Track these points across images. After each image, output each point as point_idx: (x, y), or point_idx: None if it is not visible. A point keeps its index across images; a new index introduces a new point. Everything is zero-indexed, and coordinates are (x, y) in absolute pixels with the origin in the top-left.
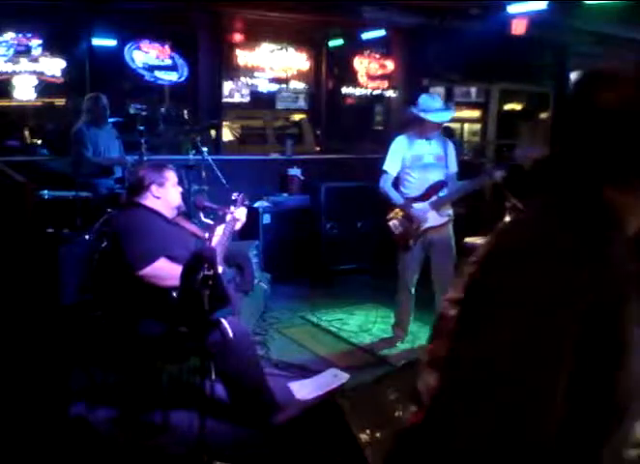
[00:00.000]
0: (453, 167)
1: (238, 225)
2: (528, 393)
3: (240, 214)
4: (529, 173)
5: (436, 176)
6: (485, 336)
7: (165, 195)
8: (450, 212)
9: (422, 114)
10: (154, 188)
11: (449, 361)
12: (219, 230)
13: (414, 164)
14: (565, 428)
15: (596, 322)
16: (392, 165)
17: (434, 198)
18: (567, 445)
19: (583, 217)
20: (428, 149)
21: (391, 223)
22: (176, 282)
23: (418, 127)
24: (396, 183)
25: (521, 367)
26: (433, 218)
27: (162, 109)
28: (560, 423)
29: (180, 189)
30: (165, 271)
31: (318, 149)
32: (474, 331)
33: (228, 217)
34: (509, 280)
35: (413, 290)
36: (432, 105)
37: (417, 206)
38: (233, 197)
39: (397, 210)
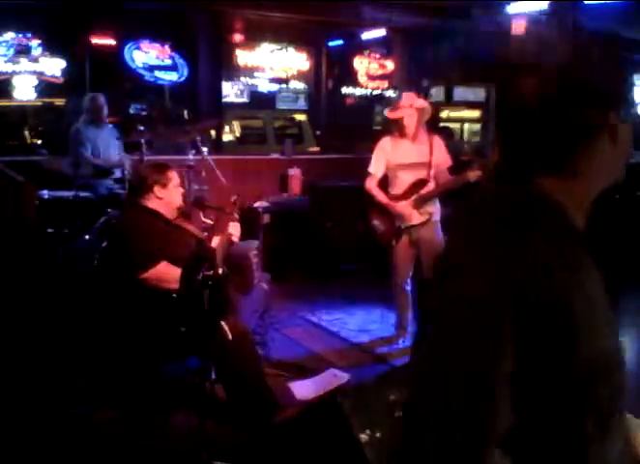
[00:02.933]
0: (443, 163)
1: (234, 238)
2: (466, 382)
3: (233, 229)
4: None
5: (419, 175)
6: (433, 335)
7: (168, 196)
8: (433, 210)
9: (387, 113)
10: (156, 188)
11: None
12: (215, 241)
13: (397, 165)
14: (526, 415)
15: (535, 309)
16: (376, 167)
17: (414, 196)
18: (547, 418)
19: (512, 206)
20: (412, 148)
21: (373, 223)
22: (177, 285)
23: (395, 127)
24: (386, 183)
25: (459, 357)
26: (414, 216)
27: (162, 109)
28: (517, 410)
29: (182, 190)
30: (167, 274)
31: (317, 149)
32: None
33: (223, 233)
34: (448, 280)
35: (407, 287)
36: (397, 104)
37: (400, 205)
38: (232, 199)
39: (374, 210)
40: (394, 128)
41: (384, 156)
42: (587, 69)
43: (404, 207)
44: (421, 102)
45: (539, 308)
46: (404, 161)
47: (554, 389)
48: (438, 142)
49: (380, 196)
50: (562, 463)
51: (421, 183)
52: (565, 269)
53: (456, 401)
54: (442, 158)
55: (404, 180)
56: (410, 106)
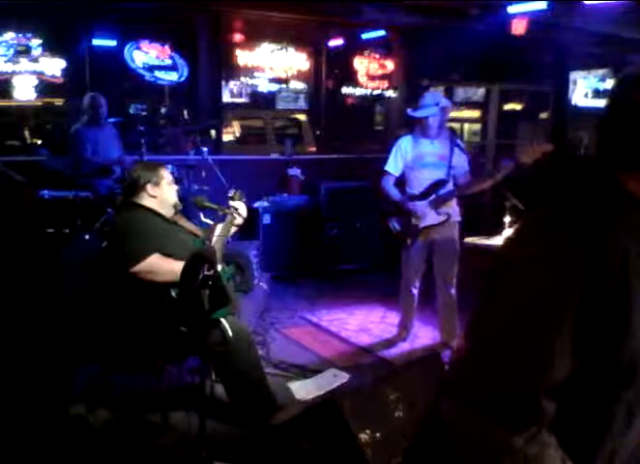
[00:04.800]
0: (461, 166)
1: (239, 220)
2: (527, 352)
3: (240, 206)
4: (538, 173)
5: (438, 175)
6: (499, 302)
7: (161, 194)
8: (451, 211)
9: (409, 111)
10: (149, 187)
11: (473, 322)
12: (218, 229)
13: (415, 164)
14: (576, 384)
15: (599, 295)
16: (393, 165)
17: (433, 196)
18: (581, 399)
19: (598, 205)
20: (431, 148)
21: (389, 222)
22: (172, 277)
23: (417, 126)
24: (403, 182)
25: (524, 329)
26: (431, 217)
27: (162, 109)
28: (571, 380)
29: (176, 187)
30: (159, 266)
31: (314, 149)
32: (492, 297)
33: (227, 211)
34: (524, 254)
35: (414, 290)
36: (421, 102)
37: (416, 204)
38: (230, 194)
39: (391, 209)
40: (417, 126)
41: (403, 154)
42: None
43: (421, 206)
44: (446, 102)
45: (604, 292)
46: (423, 160)
47: (598, 372)
48: (459, 143)
49: (395, 194)
50: (589, 439)
51: (440, 183)
52: (636, 259)
53: (518, 363)
54: (461, 160)
55: (422, 179)
56: (436, 106)
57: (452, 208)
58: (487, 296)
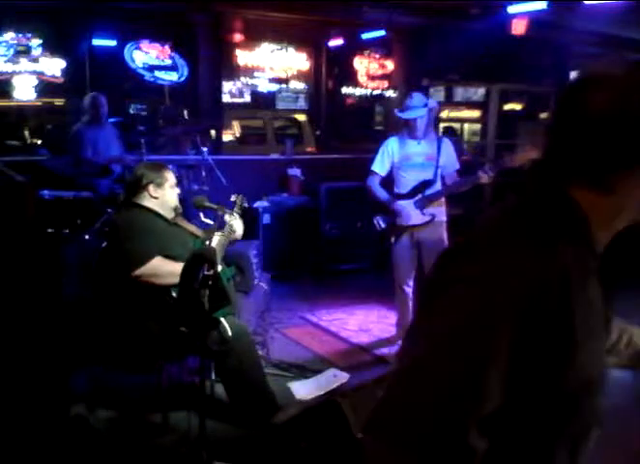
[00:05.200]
0: (451, 166)
1: (236, 235)
2: (456, 383)
3: (235, 224)
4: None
5: (426, 175)
6: (431, 324)
7: (163, 196)
8: (436, 212)
9: (397, 112)
10: (151, 188)
11: (405, 342)
12: (216, 240)
13: (403, 164)
14: (513, 418)
15: (539, 319)
16: (379, 165)
17: (419, 196)
18: (518, 435)
19: (540, 219)
20: (418, 149)
21: (374, 219)
22: (173, 280)
23: (404, 127)
24: (390, 183)
25: (454, 357)
26: (416, 217)
27: (162, 109)
28: (507, 414)
29: (178, 190)
30: (161, 269)
31: (314, 149)
32: (426, 316)
33: (227, 211)
34: (460, 273)
35: (407, 289)
36: (408, 104)
37: (400, 203)
38: (232, 198)
39: (377, 207)
40: (404, 127)
41: (390, 154)
42: None
43: (404, 205)
44: (433, 103)
45: (544, 315)
46: (410, 161)
47: (538, 405)
48: (447, 144)
49: (381, 193)
50: None
51: (427, 183)
52: (578, 277)
53: (443, 400)
54: (450, 159)
55: (409, 179)
56: (424, 107)
57: (439, 208)
58: (422, 314)
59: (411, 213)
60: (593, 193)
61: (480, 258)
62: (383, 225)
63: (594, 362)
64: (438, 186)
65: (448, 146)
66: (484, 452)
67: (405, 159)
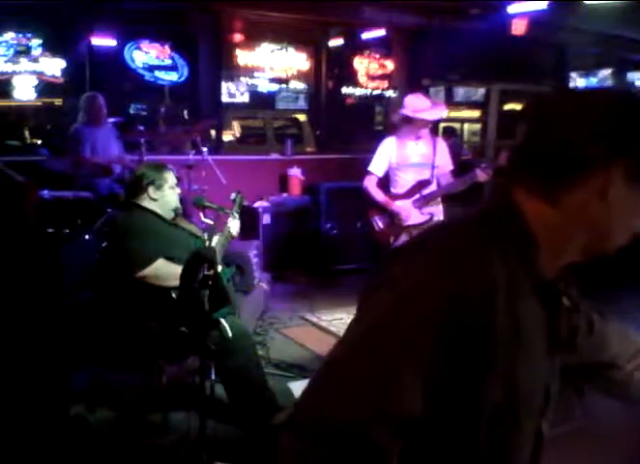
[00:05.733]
0: (445, 166)
1: (233, 236)
2: (367, 381)
3: (234, 227)
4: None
5: (423, 175)
6: (358, 322)
7: (162, 197)
8: (434, 211)
9: (416, 114)
10: (151, 189)
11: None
12: (215, 240)
13: (400, 165)
14: (433, 430)
15: (461, 331)
16: (377, 166)
17: (417, 196)
18: (440, 447)
19: (481, 230)
20: (416, 149)
21: (372, 219)
22: (176, 282)
23: (407, 128)
24: (387, 183)
25: (371, 355)
26: (415, 217)
27: (162, 109)
28: (428, 425)
29: (178, 191)
30: (164, 271)
31: (314, 149)
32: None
33: (227, 211)
34: (391, 274)
35: None
36: (422, 105)
37: (399, 203)
38: (232, 197)
39: (374, 208)
40: (403, 127)
41: (387, 155)
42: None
43: (402, 205)
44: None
45: (463, 327)
46: (408, 162)
47: (460, 414)
48: (442, 144)
49: (378, 195)
50: None
51: (424, 183)
52: (507, 291)
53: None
54: (444, 160)
55: (406, 180)
56: (437, 107)
57: (437, 207)
58: (358, 311)
59: (410, 213)
60: (540, 203)
61: (408, 263)
62: (381, 226)
63: (524, 379)
64: (434, 186)
65: (442, 147)
66: (400, 453)
67: (403, 160)
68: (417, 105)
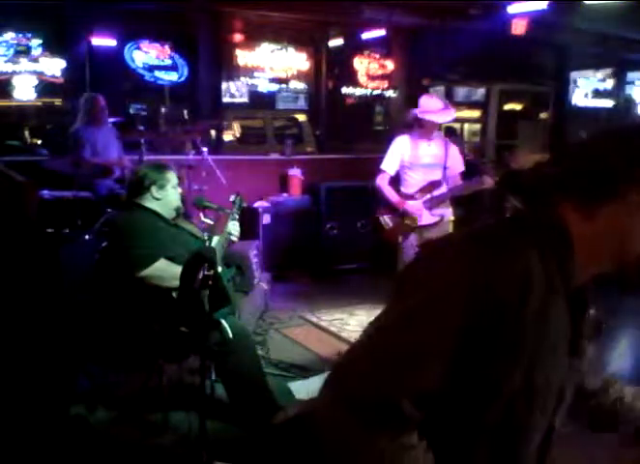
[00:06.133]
0: (456, 168)
1: (234, 238)
2: (400, 356)
3: (234, 229)
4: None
5: (434, 176)
6: (395, 306)
7: (165, 197)
8: (445, 212)
9: (425, 115)
10: (154, 189)
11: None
12: (215, 241)
13: (412, 164)
14: (450, 408)
15: (489, 316)
16: (389, 164)
17: (428, 197)
18: (451, 423)
19: (523, 227)
20: (428, 150)
21: (381, 219)
22: (176, 283)
23: (418, 127)
24: (396, 182)
25: (404, 335)
26: (425, 217)
27: (162, 109)
28: (445, 401)
29: (180, 191)
30: (165, 272)
31: (314, 149)
32: (395, 299)
33: (227, 211)
34: (422, 271)
35: None
36: (433, 106)
37: (411, 204)
38: (231, 199)
39: (383, 207)
40: (415, 127)
41: (400, 154)
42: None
43: (414, 206)
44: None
45: (497, 309)
46: (420, 161)
47: (475, 395)
48: (453, 146)
49: (390, 194)
50: None
51: (435, 184)
52: (541, 288)
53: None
54: (455, 162)
55: (417, 179)
56: (446, 108)
57: (447, 209)
58: (394, 295)
59: (420, 213)
60: (577, 215)
61: (451, 256)
62: (391, 225)
63: (542, 374)
64: (444, 187)
65: (454, 148)
66: (421, 424)
67: (415, 159)
68: (428, 106)
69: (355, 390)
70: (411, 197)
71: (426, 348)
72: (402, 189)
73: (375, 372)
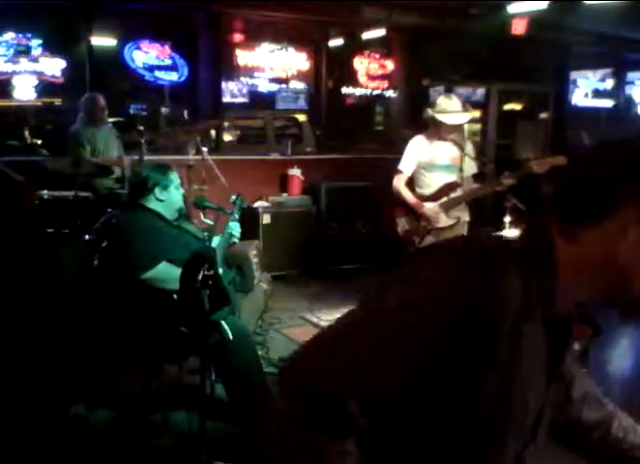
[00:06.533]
0: (470, 169)
1: (235, 240)
2: (361, 357)
3: (235, 230)
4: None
5: (450, 177)
6: (373, 302)
7: (168, 198)
8: (461, 214)
9: (438, 116)
10: (157, 190)
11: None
12: (216, 241)
13: (428, 165)
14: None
15: (464, 336)
16: (406, 165)
17: (444, 199)
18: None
19: (512, 251)
20: (444, 150)
21: (398, 221)
22: (177, 285)
23: (434, 128)
24: (411, 182)
25: (371, 335)
26: (442, 220)
27: (162, 109)
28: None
29: (182, 191)
30: (167, 274)
31: (314, 149)
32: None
33: (227, 211)
34: (423, 273)
35: None
36: (449, 107)
37: (429, 206)
38: (231, 199)
39: (400, 208)
40: (431, 128)
41: (416, 154)
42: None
43: (432, 208)
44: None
45: (472, 332)
46: (437, 162)
47: (436, 413)
48: (469, 147)
49: (408, 195)
50: None
51: (452, 186)
52: (517, 314)
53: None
54: (471, 164)
55: (434, 180)
56: (466, 111)
57: (464, 212)
58: (374, 294)
59: (438, 216)
60: (563, 239)
61: (445, 267)
62: (407, 227)
63: (518, 394)
64: (460, 189)
65: (470, 150)
66: (364, 432)
67: (431, 160)
68: (443, 107)
69: (309, 380)
70: (427, 198)
71: (389, 353)
72: (418, 190)
73: (332, 366)
